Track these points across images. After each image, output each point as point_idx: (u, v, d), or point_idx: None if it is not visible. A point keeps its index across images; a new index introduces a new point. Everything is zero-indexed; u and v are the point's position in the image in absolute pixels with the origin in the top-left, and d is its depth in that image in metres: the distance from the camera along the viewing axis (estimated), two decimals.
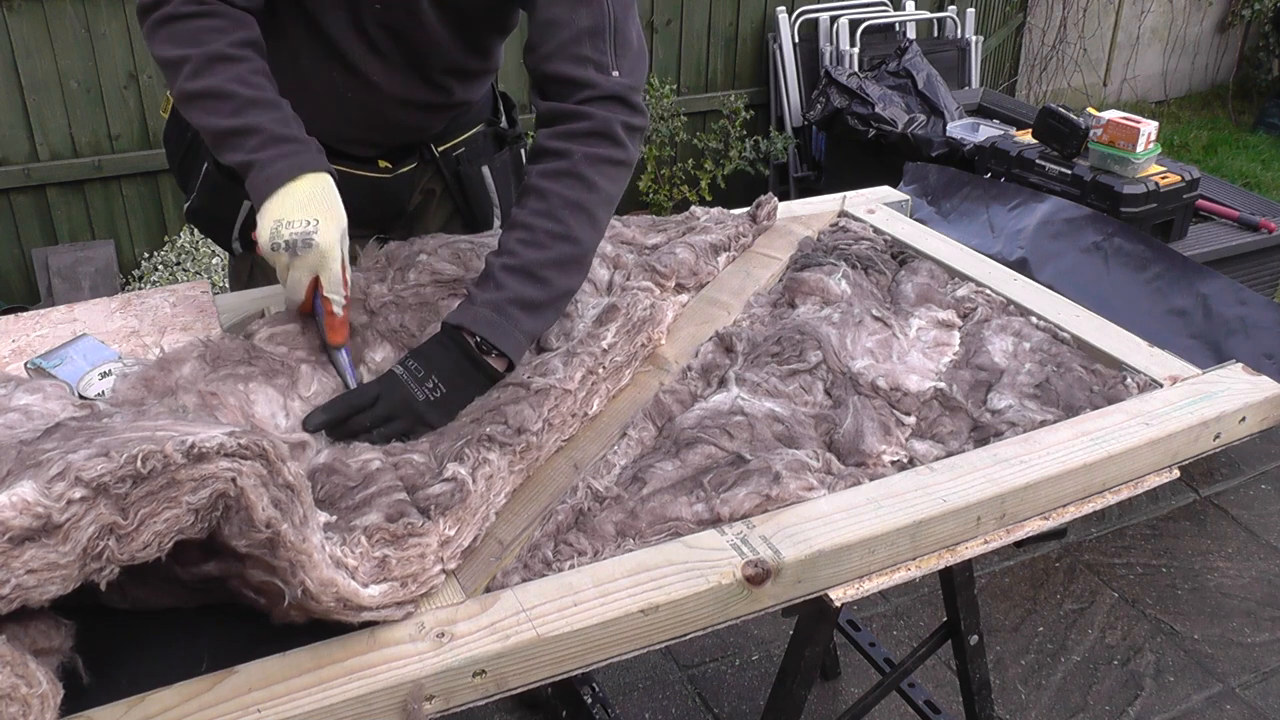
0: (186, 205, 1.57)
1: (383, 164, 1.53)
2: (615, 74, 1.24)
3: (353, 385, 1.17)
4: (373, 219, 1.55)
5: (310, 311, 1.20)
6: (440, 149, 1.58)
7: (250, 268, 1.61)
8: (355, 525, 0.92)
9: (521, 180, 1.55)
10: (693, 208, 1.66)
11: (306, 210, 1.14)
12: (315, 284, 1.16)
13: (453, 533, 0.96)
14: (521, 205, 1.22)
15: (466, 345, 1.16)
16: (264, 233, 1.15)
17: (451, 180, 1.60)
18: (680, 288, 1.47)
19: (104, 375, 1.14)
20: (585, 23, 1.23)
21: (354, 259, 1.40)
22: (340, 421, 1.10)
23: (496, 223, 1.64)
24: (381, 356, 1.23)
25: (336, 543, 0.88)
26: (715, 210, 1.66)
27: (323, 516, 0.90)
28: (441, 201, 1.64)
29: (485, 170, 1.62)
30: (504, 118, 1.66)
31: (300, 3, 1.33)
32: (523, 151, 1.67)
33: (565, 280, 1.21)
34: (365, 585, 0.87)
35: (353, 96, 1.42)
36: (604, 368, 1.22)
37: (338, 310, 1.17)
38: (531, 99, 1.30)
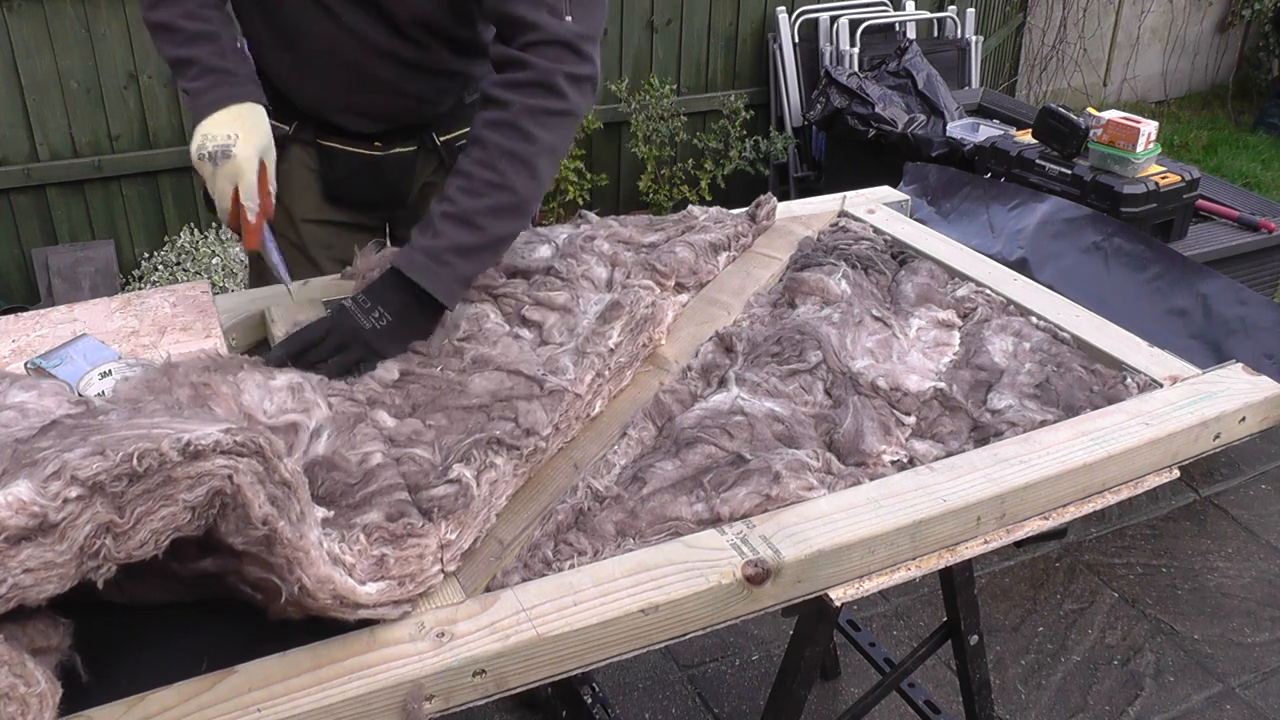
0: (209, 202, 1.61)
1: (376, 144, 1.56)
2: (568, 19, 1.24)
3: (287, 280, 1.38)
4: (371, 201, 1.60)
5: (237, 225, 1.34)
6: (443, 139, 1.60)
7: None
8: (355, 523, 0.92)
9: None
10: (691, 207, 1.66)
11: (228, 128, 1.30)
12: (238, 194, 1.31)
13: (454, 536, 0.96)
14: (466, 154, 1.26)
15: (410, 283, 1.22)
16: (192, 147, 1.31)
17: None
18: (680, 287, 1.47)
19: (104, 375, 1.14)
20: None
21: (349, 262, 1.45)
22: (298, 355, 1.16)
23: None
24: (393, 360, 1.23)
25: (335, 539, 0.88)
26: (714, 210, 1.66)
27: (320, 512, 0.90)
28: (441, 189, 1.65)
29: None
30: None
31: None
32: None
33: (501, 226, 1.26)
34: (363, 583, 0.87)
35: (338, 52, 1.45)
36: (609, 369, 1.22)
37: (251, 216, 1.32)
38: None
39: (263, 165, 1.32)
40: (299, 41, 1.44)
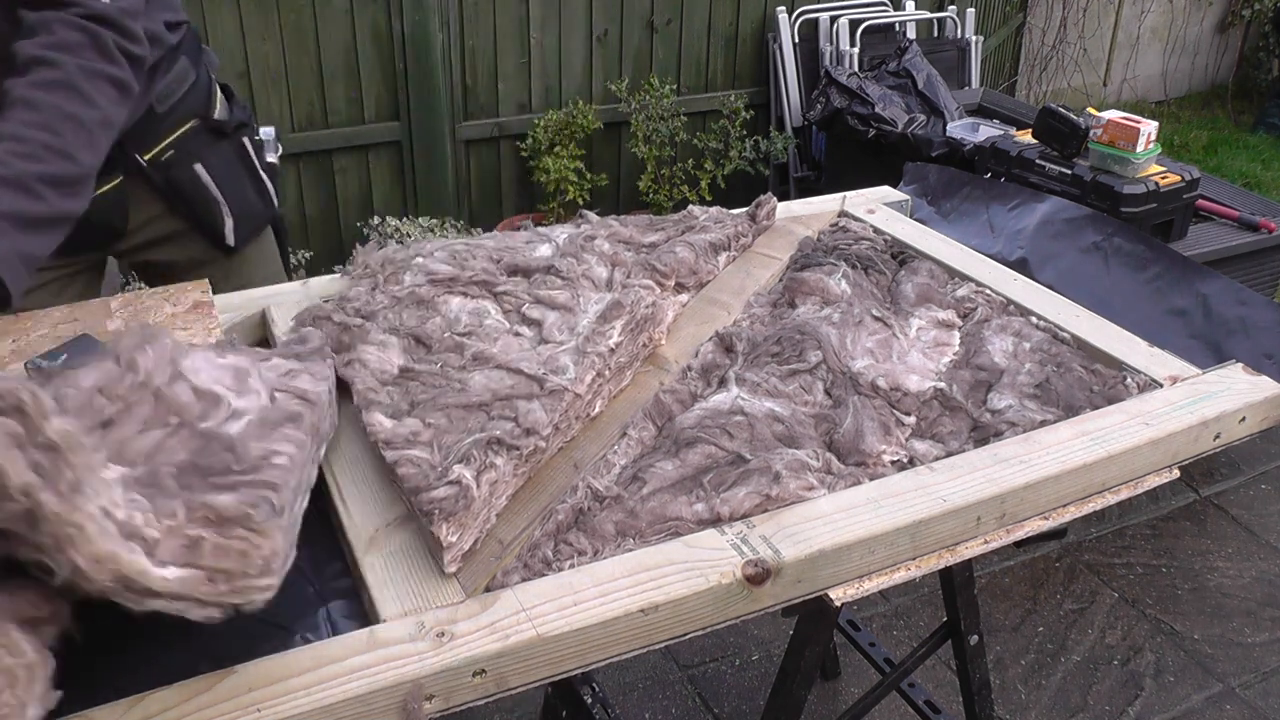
0: None
1: None
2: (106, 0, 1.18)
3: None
4: (82, 241, 1.41)
5: None
6: (146, 157, 1.48)
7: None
8: (190, 500, 0.78)
9: (251, 169, 1.54)
10: (690, 207, 1.66)
11: None
12: None
13: (454, 538, 0.96)
14: (6, 119, 1.10)
15: None
16: None
17: (166, 190, 1.51)
18: (680, 287, 1.47)
19: None
20: None
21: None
22: None
23: (229, 223, 1.58)
24: (395, 354, 1.23)
25: (142, 508, 0.75)
26: (714, 210, 1.66)
27: (116, 472, 0.76)
28: (164, 213, 1.56)
29: (199, 168, 1.53)
30: (219, 108, 1.57)
31: None
32: (246, 141, 1.60)
33: (64, 203, 1.13)
34: (163, 565, 0.74)
35: None
36: (610, 369, 1.22)
37: None
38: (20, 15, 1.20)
39: None
40: None
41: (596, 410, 1.21)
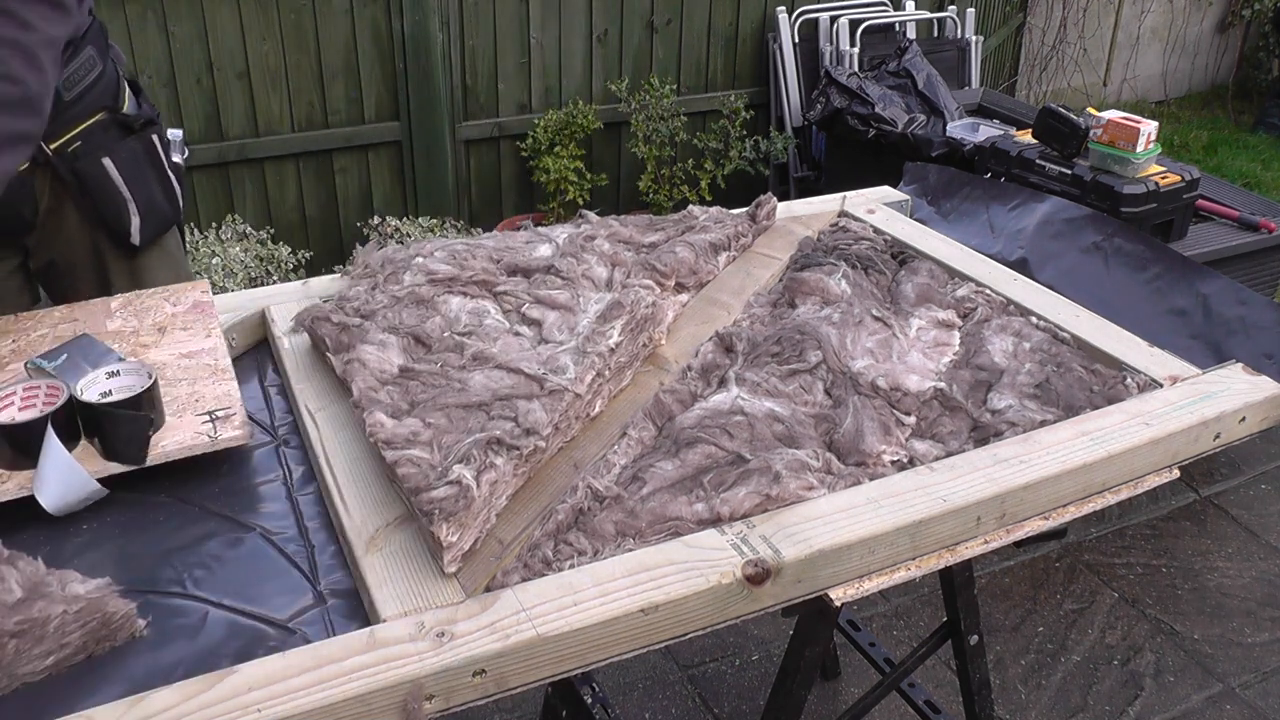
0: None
1: None
2: None
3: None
4: None
5: None
6: (53, 146, 1.46)
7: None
8: None
9: (158, 167, 1.52)
10: (691, 207, 1.66)
11: None
12: None
13: (455, 538, 0.96)
14: None
15: None
16: None
17: (70, 180, 1.50)
18: (680, 287, 1.47)
19: (110, 375, 1.14)
20: None
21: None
22: None
23: (135, 221, 1.57)
24: (394, 353, 1.23)
25: None
26: (714, 210, 1.66)
27: None
28: (70, 207, 1.54)
29: (107, 162, 1.52)
30: (127, 103, 1.57)
31: None
32: (155, 139, 1.60)
33: (16, 123, 1.16)
34: None
35: None
36: (610, 369, 1.22)
37: None
38: None
39: None
40: None
41: (596, 410, 1.22)
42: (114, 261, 1.60)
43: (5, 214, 1.45)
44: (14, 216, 1.48)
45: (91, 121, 1.49)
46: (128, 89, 1.58)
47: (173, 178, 1.62)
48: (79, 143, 1.48)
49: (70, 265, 1.60)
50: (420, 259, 1.38)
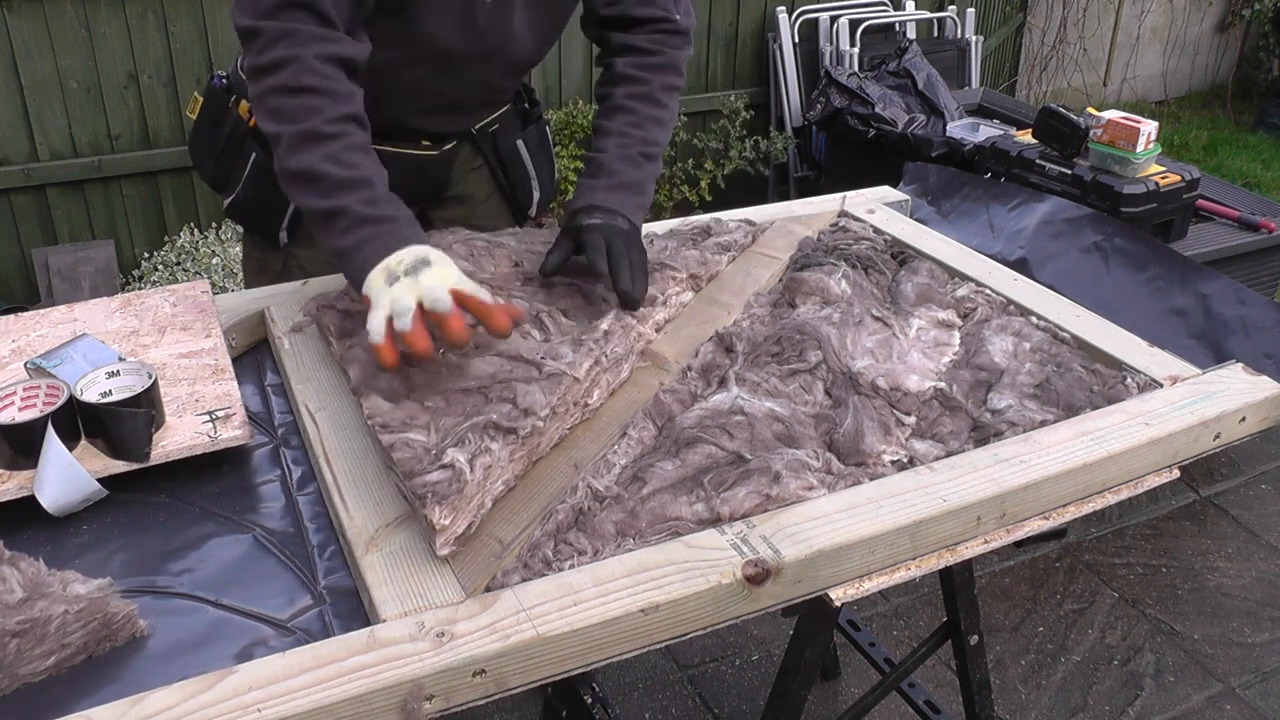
0: (228, 201, 1.60)
1: (425, 142, 1.59)
2: (678, 17, 1.52)
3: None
4: (419, 196, 1.61)
5: (427, 350, 1.09)
6: (477, 127, 1.65)
7: (284, 262, 1.63)
8: None
9: (547, 153, 1.79)
10: (719, 217, 1.67)
11: (413, 254, 1.13)
12: (421, 311, 1.10)
13: (448, 521, 0.96)
14: (611, 119, 1.47)
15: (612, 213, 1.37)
16: (376, 284, 1.11)
17: (490, 154, 1.69)
18: (694, 278, 1.47)
19: (111, 375, 1.14)
20: None
21: None
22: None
23: (535, 194, 1.77)
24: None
25: None
26: (732, 223, 1.67)
27: None
28: (482, 176, 1.72)
29: (520, 143, 1.71)
30: (525, 101, 1.75)
31: (403, 14, 1.36)
32: (547, 129, 1.81)
33: (653, 166, 1.47)
34: None
35: (436, 88, 1.50)
36: (605, 357, 1.22)
37: (486, 299, 1.13)
38: (598, 34, 1.54)
39: (465, 295, 1.13)
40: (396, 80, 1.43)
41: (595, 401, 1.21)
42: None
43: (434, 177, 1.64)
44: (439, 178, 1.65)
45: (504, 110, 1.69)
46: (522, 89, 1.75)
47: (555, 166, 1.85)
48: (496, 125, 1.68)
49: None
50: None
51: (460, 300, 1.11)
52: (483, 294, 1.13)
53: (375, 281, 1.12)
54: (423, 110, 1.55)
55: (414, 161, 1.59)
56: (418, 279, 1.10)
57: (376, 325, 1.09)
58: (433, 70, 1.47)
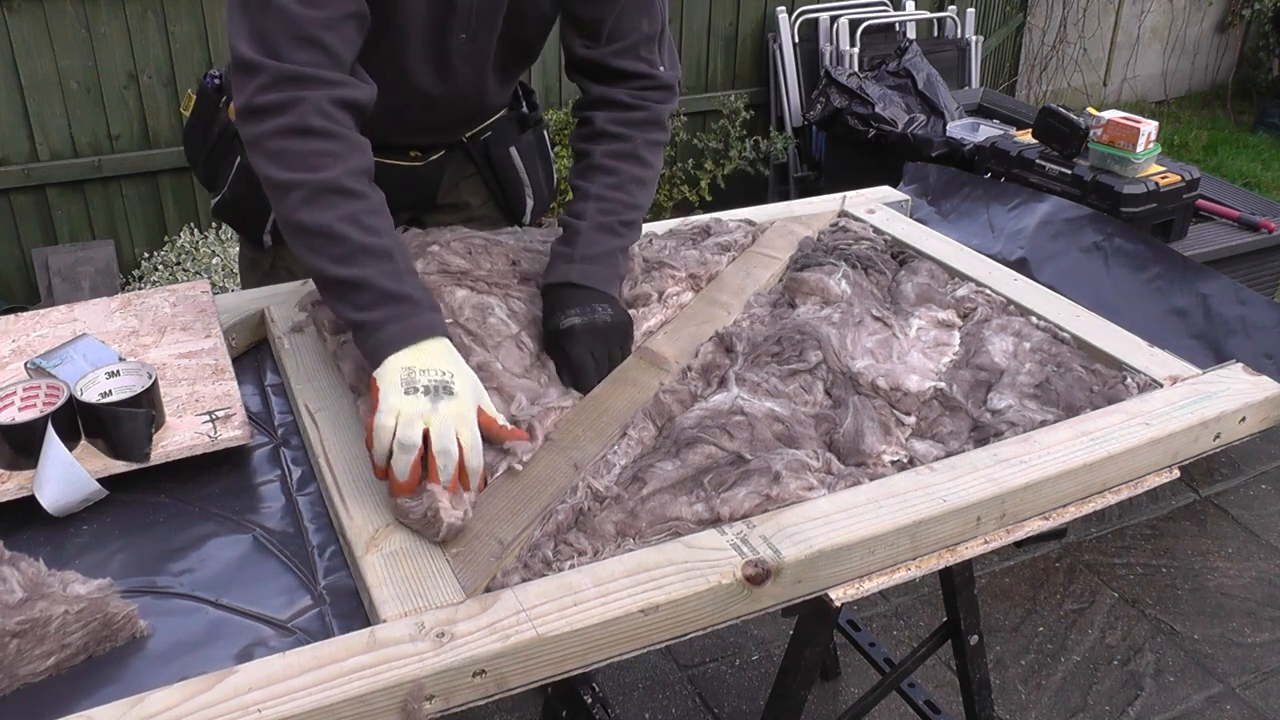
0: (215, 200, 1.59)
1: (413, 154, 1.57)
2: (662, 69, 1.45)
3: None
4: (406, 204, 1.60)
5: (410, 491, 1.01)
6: (467, 136, 1.63)
7: (272, 262, 1.62)
8: None
9: (545, 158, 1.75)
10: (717, 214, 1.67)
11: (438, 363, 1.07)
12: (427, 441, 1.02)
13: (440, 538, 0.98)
14: (594, 179, 1.39)
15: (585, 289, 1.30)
16: (392, 379, 1.04)
17: (482, 163, 1.67)
18: (693, 278, 1.47)
19: (110, 375, 1.14)
20: (646, 30, 1.41)
21: None
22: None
23: (529, 201, 1.74)
24: None
25: None
26: (732, 223, 1.67)
27: None
28: (474, 184, 1.70)
29: (513, 151, 1.68)
30: (524, 104, 1.73)
31: (381, 49, 1.32)
32: (545, 133, 1.77)
33: (631, 233, 1.39)
34: None
35: (412, 115, 1.47)
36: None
37: (444, 477, 1.01)
38: (578, 80, 1.47)
39: (485, 416, 1.08)
40: (395, 97, 1.39)
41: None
42: None
43: (422, 187, 1.61)
44: (427, 187, 1.62)
45: (498, 117, 1.65)
46: (521, 92, 1.73)
47: (554, 169, 1.80)
48: (489, 133, 1.64)
49: None
50: (436, 247, 1.38)
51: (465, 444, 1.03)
52: (475, 466, 1.03)
53: (391, 376, 1.05)
54: (407, 129, 1.53)
55: (401, 171, 1.57)
56: (436, 408, 1.02)
57: (381, 442, 1.01)
58: (415, 101, 1.44)
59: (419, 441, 1.00)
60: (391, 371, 1.05)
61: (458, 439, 1.01)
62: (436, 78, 1.41)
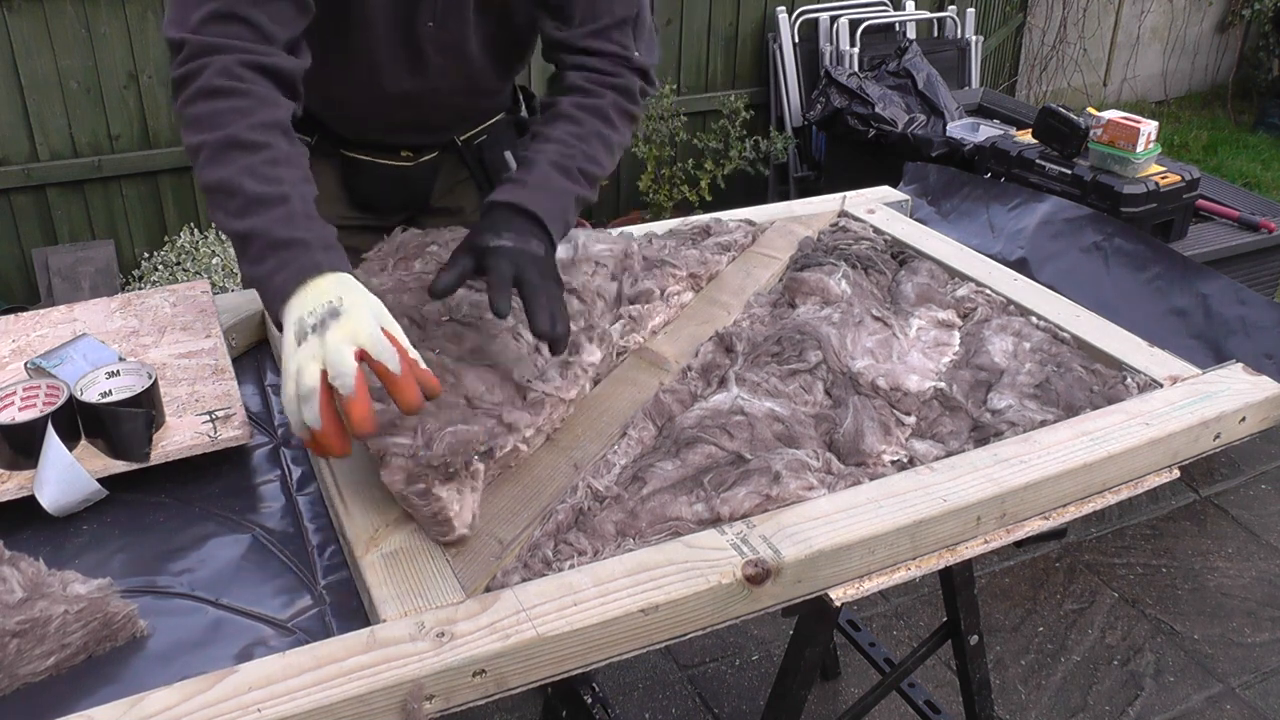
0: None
1: (404, 154, 1.57)
2: (637, 54, 1.39)
3: None
4: (399, 206, 1.61)
5: (341, 440, 0.93)
6: (462, 138, 1.62)
7: None
8: None
9: None
10: (717, 215, 1.66)
11: (324, 295, 0.96)
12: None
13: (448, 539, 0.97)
14: (553, 126, 1.30)
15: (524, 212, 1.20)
16: (289, 340, 0.95)
17: (475, 166, 1.65)
18: (694, 277, 1.47)
19: (110, 375, 1.14)
20: (620, 13, 1.36)
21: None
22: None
23: None
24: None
25: None
26: (732, 223, 1.67)
27: None
28: (468, 188, 1.69)
29: (508, 154, 1.66)
30: (523, 107, 1.72)
31: (349, 43, 1.32)
32: None
33: (588, 192, 1.31)
34: None
35: (392, 111, 1.46)
36: (590, 382, 1.23)
37: (395, 368, 0.92)
38: (554, 61, 1.40)
39: (389, 336, 0.95)
40: (372, 89, 1.40)
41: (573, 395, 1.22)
42: None
43: (414, 188, 1.61)
44: (419, 188, 1.62)
45: (495, 120, 1.64)
46: (521, 96, 1.72)
47: None
48: (484, 136, 1.64)
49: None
50: (435, 247, 1.38)
51: (370, 364, 0.93)
52: (392, 361, 0.93)
53: (287, 337, 0.95)
54: (391, 127, 1.51)
55: (392, 171, 1.56)
56: (324, 339, 0.92)
57: (290, 413, 0.93)
58: (391, 96, 1.42)
59: (316, 383, 0.90)
60: (287, 331, 0.95)
61: (356, 354, 0.91)
62: (410, 70, 1.39)
